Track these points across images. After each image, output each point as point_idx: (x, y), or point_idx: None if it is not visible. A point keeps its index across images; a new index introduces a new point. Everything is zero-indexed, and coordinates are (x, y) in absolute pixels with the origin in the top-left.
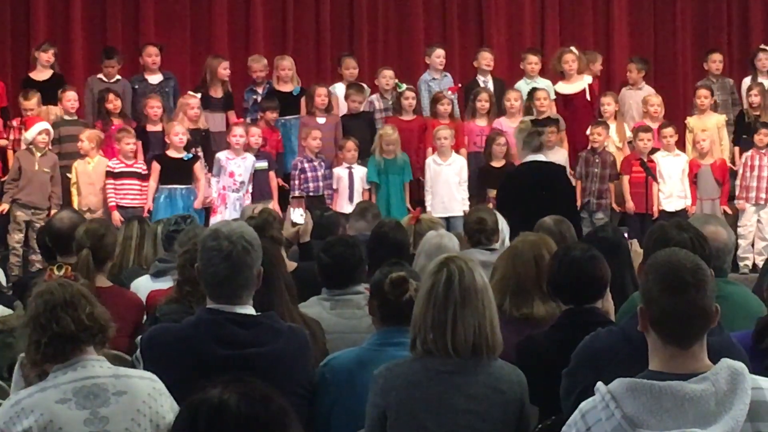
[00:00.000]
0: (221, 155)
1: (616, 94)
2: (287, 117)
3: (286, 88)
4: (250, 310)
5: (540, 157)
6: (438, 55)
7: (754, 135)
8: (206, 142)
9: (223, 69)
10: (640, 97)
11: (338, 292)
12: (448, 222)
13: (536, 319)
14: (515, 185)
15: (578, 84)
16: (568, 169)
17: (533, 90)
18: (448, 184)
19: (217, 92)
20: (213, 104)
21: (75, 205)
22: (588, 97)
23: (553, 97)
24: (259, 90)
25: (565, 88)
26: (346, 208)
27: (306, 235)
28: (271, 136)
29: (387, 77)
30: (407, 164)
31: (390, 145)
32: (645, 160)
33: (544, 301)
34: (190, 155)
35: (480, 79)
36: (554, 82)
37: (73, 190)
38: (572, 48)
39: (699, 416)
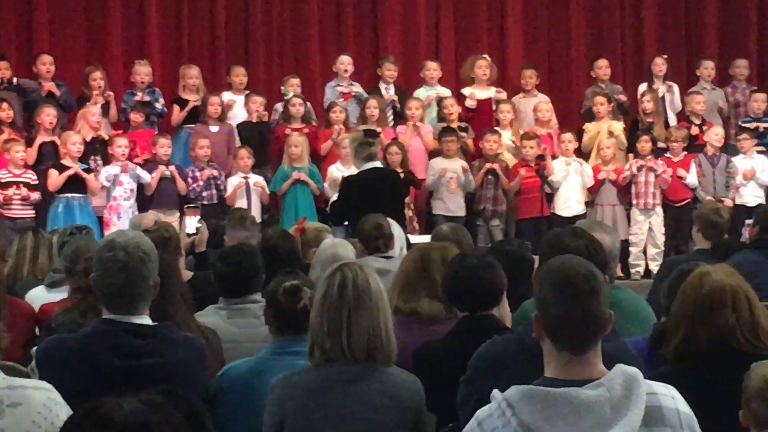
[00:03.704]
0: (112, 168)
1: (511, 101)
2: (190, 125)
3: (192, 97)
4: (146, 320)
5: (375, 164)
6: (342, 62)
7: (636, 143)
8: (105, 151)
9: (93, 80)
10: (535, 104)
11: (235, 301)
12: (348, 229)
13: (421, 315)
14: (354, 193)
15: (486, 92)
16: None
17: (441, 98)
18: None
19: (98, 100)
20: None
21: None
22: (494, 106)
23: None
24: (140, 94)
25: (475, 93)
26: None
27: (202, 244)
28: (143, 138)
29: (294, 85)
30: (317, 173)
31: (296, 147)
32: (533, 166)
33: (431, 299)
34: (86, 165)
35: (382, 87)
36: (460, 88)
37: None
38: (485, 56)
39: (595, 422)
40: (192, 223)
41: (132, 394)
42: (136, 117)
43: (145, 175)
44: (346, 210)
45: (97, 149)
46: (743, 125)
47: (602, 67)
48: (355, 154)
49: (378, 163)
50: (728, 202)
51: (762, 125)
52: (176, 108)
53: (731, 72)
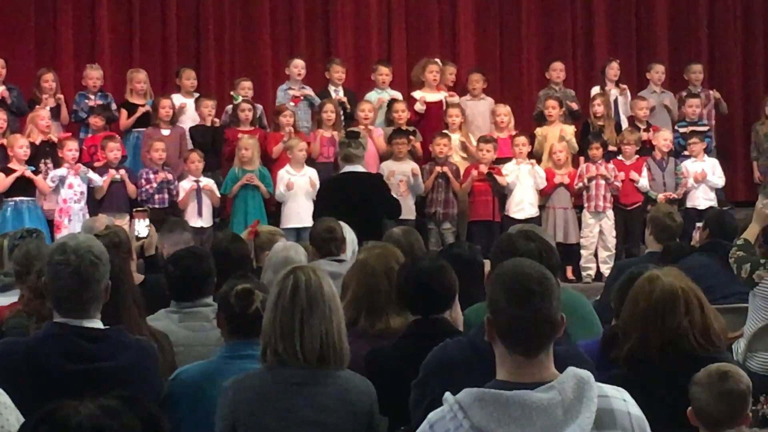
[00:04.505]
0: (58, 171)
1: (462, 105)
2: (140, 129)
3: (139, 101)
4: (98, 323)
5: (356, 168)
6: (296, 66)
7: (587, 149)
8: (55, 154)
9: (45, 82)
10: (483, 107)
11: (187, 304)
12: (299, 233)
13: (393, 332)
14: (326, 195)
15: (436, 95)
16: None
17: (392, 102)
18: (302, 195)
19: (49, 103)
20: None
21: None
22: (444, 108)
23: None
24: (92, 97)
25: (425, 97)
26: (196, 221)
27: (151, 248)
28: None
29: (246, 88)
30: (267, 177)
31: (246, 150)
32: (487, 170)
33: (398, 313)
34: (33, 168)
35: (331, 89)
36: (411, 91)
37: None
38: (437, 60)
39: (546, 425)
40: (141, 226)
41: (89, 399)
42: (96, 121)
43: (96, 179)
44: (319, 212)
45: (47, 152)
46: (680, 130)
47: (557, 70)
48: (339, 155)
49: (359, 167)
50: (669, 194)
51: (698, 129)
52: (124, 112)
53: (686, 77)
